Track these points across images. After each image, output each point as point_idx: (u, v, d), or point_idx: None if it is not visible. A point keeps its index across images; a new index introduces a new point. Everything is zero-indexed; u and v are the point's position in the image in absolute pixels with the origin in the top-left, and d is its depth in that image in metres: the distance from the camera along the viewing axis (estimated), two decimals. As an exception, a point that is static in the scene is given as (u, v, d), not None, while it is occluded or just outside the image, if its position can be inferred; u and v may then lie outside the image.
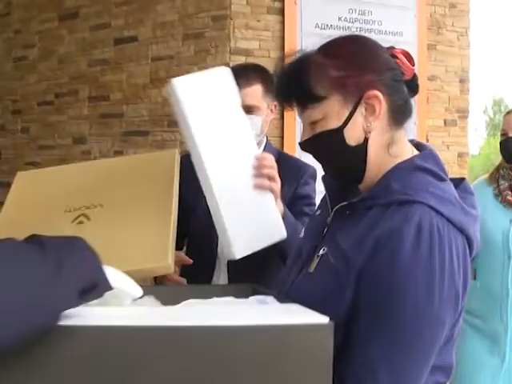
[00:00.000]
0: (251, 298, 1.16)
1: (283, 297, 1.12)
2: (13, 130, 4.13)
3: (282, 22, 3.15)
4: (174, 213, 1.39)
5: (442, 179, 1.07)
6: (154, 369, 0.79)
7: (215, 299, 1.17)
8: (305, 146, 1.13)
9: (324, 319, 0.86)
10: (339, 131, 1.06)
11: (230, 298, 1.18)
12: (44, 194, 1.56)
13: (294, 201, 1.94)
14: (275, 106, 2.01)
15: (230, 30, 2.98)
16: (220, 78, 1.39)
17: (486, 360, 2.36)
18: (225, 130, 1.36)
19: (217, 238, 1.91)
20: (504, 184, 2.41)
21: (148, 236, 1.35)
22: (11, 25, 4.15)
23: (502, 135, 2.48)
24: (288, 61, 1.13)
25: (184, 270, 1.88)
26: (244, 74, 1.94)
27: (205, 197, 1.69)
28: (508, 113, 2.61)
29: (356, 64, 1.07)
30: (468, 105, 3.75)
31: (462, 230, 1.02)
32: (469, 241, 1.03)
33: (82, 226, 1.40)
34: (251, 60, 3.04)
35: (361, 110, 1.06)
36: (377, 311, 0.97)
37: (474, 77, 3.79)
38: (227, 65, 2.90)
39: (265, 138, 2.11)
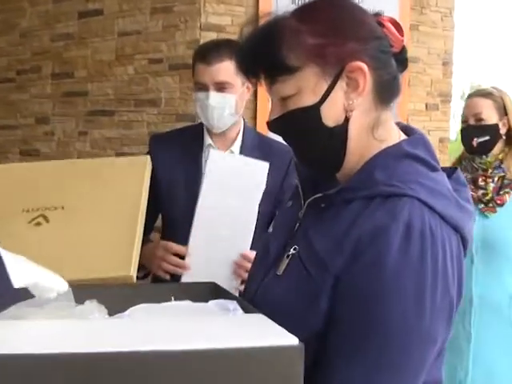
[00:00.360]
0: (211, 304, 1.00)
1: (248, 300, 0.97)
2: (-27, 109, 3.90)
3: (256, -4, 2.98)
4: (140, 221, 1.35)
5: (433, 168, 0.91)
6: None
7: (168, 305, 1.01)
8: (273, 125, 0.96)
9: (293, 340, 0.71)
10: (315, 109, 0.89)
11: (187, 303, 1.03)
12: (2, 190, 1.48)
13: (284, 192, 1.81)
14: (249, 88, 1.92)
15: (200, 5, 2.79)
16: (257, 169, 1.52)
17: (449, 375, 2.16)
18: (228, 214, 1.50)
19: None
20: (466, 177, 2.22)
21: (111, 243, 1.31)
22: (-31, -4, 3.91)
23: (463, 122, 2.29)
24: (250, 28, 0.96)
25: None
26: (215, 50, 1.86)
27: (187, 185, 1.86)
28: (469, 97, 2.40)
29: (337, 30, 0.90)
30: (451, 89, 3.62)
31: (456, 228, 0.86)
32: (464, 241, 0.88)
33: (39, 227, 1.35)
34: (223, 36, 2.86)
35: (341, 84, 0.90)
36: (357, 325, 0.82)
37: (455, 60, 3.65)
38: (197, 41, 2.73)
39: (242, 119, 1.99)
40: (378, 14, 0.96)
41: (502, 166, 2.25)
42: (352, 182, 0.91)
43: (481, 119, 2.23)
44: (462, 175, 0.98)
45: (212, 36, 2.82)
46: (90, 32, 3.15)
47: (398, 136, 0.95)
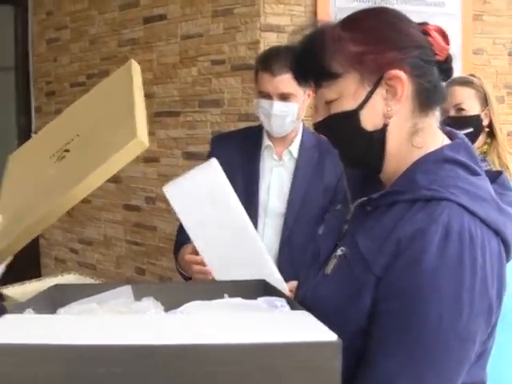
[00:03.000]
0: (260, 300, 1.05)
1: (299, 299, 1.02)
2: (47, 112, 4.10)
3: (315, -5, 3.00)
4: (136, 100, 1.34)
5: (474, 173, 0.94)
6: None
7: (220, 301, 1.08)
8: (319, 127, 1.02)
9: (331, 336, 0.75)
10: (354, 113, 0.95)
11: (238, 300, 1.09)
12: (31, 162, 1.57)
13: (338, 193, 1.86)
14: (312, 89, 1.93)
15: (260, 6, 2.85)
16: (209, 173, 1.49)
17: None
18: (217, 221, 1.47)
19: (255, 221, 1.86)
20: None
21: (115, 126, 1.33)
22: (44, 6, 4.10)
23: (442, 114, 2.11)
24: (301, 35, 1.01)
25: None
26: (278, 60, 1.87)
27: (245, 185, 1.93)
28: (447, 85, 2.20)
29: (377, 39, 0.94)
30: (518, 80, 3.51)
31: (497, 232, 0.88)
32: (505, 244, 0.90)
33: (63, 160, 1.39)
34: (283, 37, 2.90)
35: (381, 91, 0.94)
36: (397, 320, 0.86)
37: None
38: (257, 42, 2.78)
39: (301, 123, 2.04)
40: (424, 23, 0.99)
41: (487, 158, 2.08)
42: (395, 186, 0.95)
43: (462, 109, 2.07)
44: (507, 179, 1.00)
45: (272, 36, 2.87)
46: (155, 36, 3.26)
47: (441, 141, 0.98)
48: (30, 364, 0.72)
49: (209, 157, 2.08)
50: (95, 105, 1.54)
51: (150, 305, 1.12)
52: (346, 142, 0.99)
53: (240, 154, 1.99)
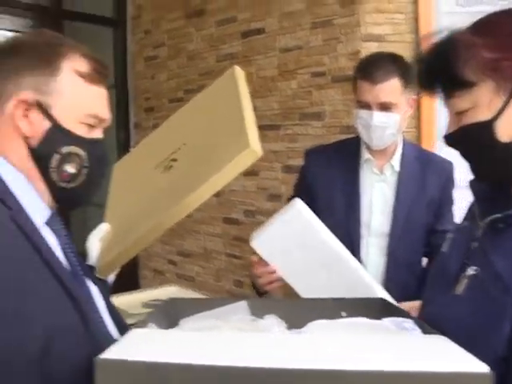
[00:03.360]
0: (387, 321, 1.01)
1: (424, 319, 0.96)
2: (146, 127, 4.22)
3: (416, 2, 2.92)
4: (246, 107, 1.30)
5: None
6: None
7: (344, 321, 1.04)
8: (450, 139, 0.97)
9: (483, 367, 0.69)
10: (489, 124, 0.89)
11: (362, 320, 1.05)
12: (135, 171, 1.57)
13: (442, 205, 1.80)
14: (414, 100, 1.83)
15: (359, 16, 2.81)
16: (294, 216, 1.42)
17: None
18: (312, 261, 1.41)
19: (357, 240, 1.81)
20: None
21: (225, 135, 1.29)
22: (142, 26, 4.24)
23: None
24: (427, 43, 0.97)
25: None
26: (380, 67, 1.77)
27: (346, 200, 1.85)
28: None
29: None
30: None
31: None
32: None
33: (171, 169, 1.38)
34: (384, 46, 2.86)
35: None
36: None
37: None
38: (358, 52, 2.75)
39: (401, 135, 1.93)
40: None
41: None
42: None
43: None
44: None
45: (373, 46, 2.83)
46: (253, 50, 3.29)
47: None
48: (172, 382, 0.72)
49: (303, 170, 2.03)
50: (201, 113, 1.51)
51: (273, 323, 1.11)
52: (479, 154, 0.94)
53: (338, 168, 1.90)
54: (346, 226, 1.80)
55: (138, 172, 1.55)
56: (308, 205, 1.46)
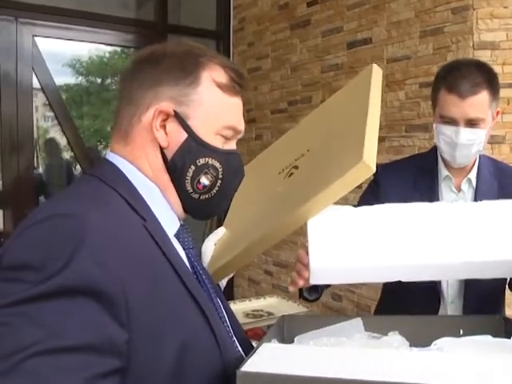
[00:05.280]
0: None
1: None
2: (248, 138, 4.27)
3: (534, 6, 2.79)
4: (370, 113, 1.22)
5: None
6: None
7: (469, 339, 1.03)
8: None
9: None
10: None
11: (489, 338, 1.04)
12: (262, 175, 1.54)
13: None
14: (498, 112, 1.68)
15: (472, 22, 2.71)
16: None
17: None
18: None
19: None
20: None
21: (344, 144, 1.23)
22: (245, 38, 4.31)
23: None
24: None
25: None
26: (470, 79, 1.61)
27: None
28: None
29: None
30: None
31: None
32: None
33: (292, 177, 1.35)
34: (497, 54, 2.74)
35: None
36: None
37: None
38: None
39: None
40: None
41: None
42: None
43: None
44: None
45: (486, 54, 2.73)
46: (359, 61, 3.26)
47: None
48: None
49: (374, 186, 1.86)
50: (329, 116, 1.46)
51: (397, 339, 1.09)
52: None
53: (413, 186, 1.75)
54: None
55: (264, 175, 1.53)
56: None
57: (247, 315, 2.36)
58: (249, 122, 4.30)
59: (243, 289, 4.37)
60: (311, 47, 3.63)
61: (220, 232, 1.38)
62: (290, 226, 1.20)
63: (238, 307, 2.47)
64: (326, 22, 3.50)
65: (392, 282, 1.24)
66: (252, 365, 0.84)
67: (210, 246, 1.35)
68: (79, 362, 0.74)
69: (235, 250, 1.28)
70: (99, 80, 5.84)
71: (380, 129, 3.26)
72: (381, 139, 3.11)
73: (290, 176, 1.37)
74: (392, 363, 0.83)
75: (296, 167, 1.37)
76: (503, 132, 2.83)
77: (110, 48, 5.18)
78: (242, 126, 1.05)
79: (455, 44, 2.79)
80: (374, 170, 1.10)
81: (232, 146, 1.05)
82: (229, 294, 4.16)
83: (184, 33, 4.47)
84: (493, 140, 2.81)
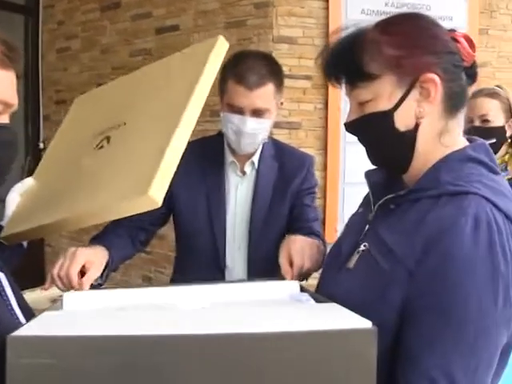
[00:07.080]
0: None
1: (321, 294, 1.05)
2: (57, 121, 4.13)
3: (327, 9, 3.06)
4: (181, 130, 1.08)
5: (494, 171, 0.99)
6: (185, 377, 0.74)
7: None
8: (350, 127, 1.05)
9: (366, 323, 0.78)
10: (389, 114, 0.98)
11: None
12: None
13: (300, 193, 1.82)
14: (282, 103, 1.77)
15: (272, 18, 2.90)
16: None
17: None
18: None
19: (223, 251, 1.78)
20: None
21: (145, 153, 1.09)
22: (55, 16, 4.16)
23: (468, 123, 2.10)
24: (335, 36, 1.05)
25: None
26: (256, 71, 1.64)
27: (209, 202, 1.75)
28: (473, 97, 2.09)
29: (415, 44, 0.98)
30: (521, 92, 3.57)
31: None
32: None
33: (100, 151, 1.24)
34: (294, 48, 2.96)
35: (414, 93, 0.98)
36: (436, 314, 0.88)
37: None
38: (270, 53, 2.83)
39: None
40: (452, 30, 1.03)
41: (508, 168, 2.15)
42: (420, 184, 0.99)
43: (487, 121, 2.12)
44: None
45: (284, 48, 2.93)
46: (167, 47, 3.31)
47: (464, 143, 1.02)
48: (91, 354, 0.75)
49: None
50: (157, 85, 1.30)
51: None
52: (378, 141, 1.03)
53: (201, 169, 1.79)
54: (205, 227, 1.77)
55: (80, 133, 1.39)
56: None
57: (54, 301, 2.31)
58: (58, 103, 4.17)
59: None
60: (121, 30, 3.62)
61: (27, 182, 1.29)
62: (79, 223, 1.13)
63: (44, 294, 2.41)
64: (136, 6, 3.52)
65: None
66: (26, 329, 0.78)
67: (14, 198, 1.27)
68: None
69: (36, 221, 1.19)
70: None
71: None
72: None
73: (99, 148, 1.27)
74: (167, 319, 0.86)
75: (108, 139, 1.27)
76: (299, 119, 3.07)
77: None
78: (13, 99, 1.03)
79: (257, 37, 2.96)
80: (160, 204, 1.00)
81: (4, 119, 1.03)
82: (41, 282, 4.02)
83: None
84: (290, 126, 3.04)
